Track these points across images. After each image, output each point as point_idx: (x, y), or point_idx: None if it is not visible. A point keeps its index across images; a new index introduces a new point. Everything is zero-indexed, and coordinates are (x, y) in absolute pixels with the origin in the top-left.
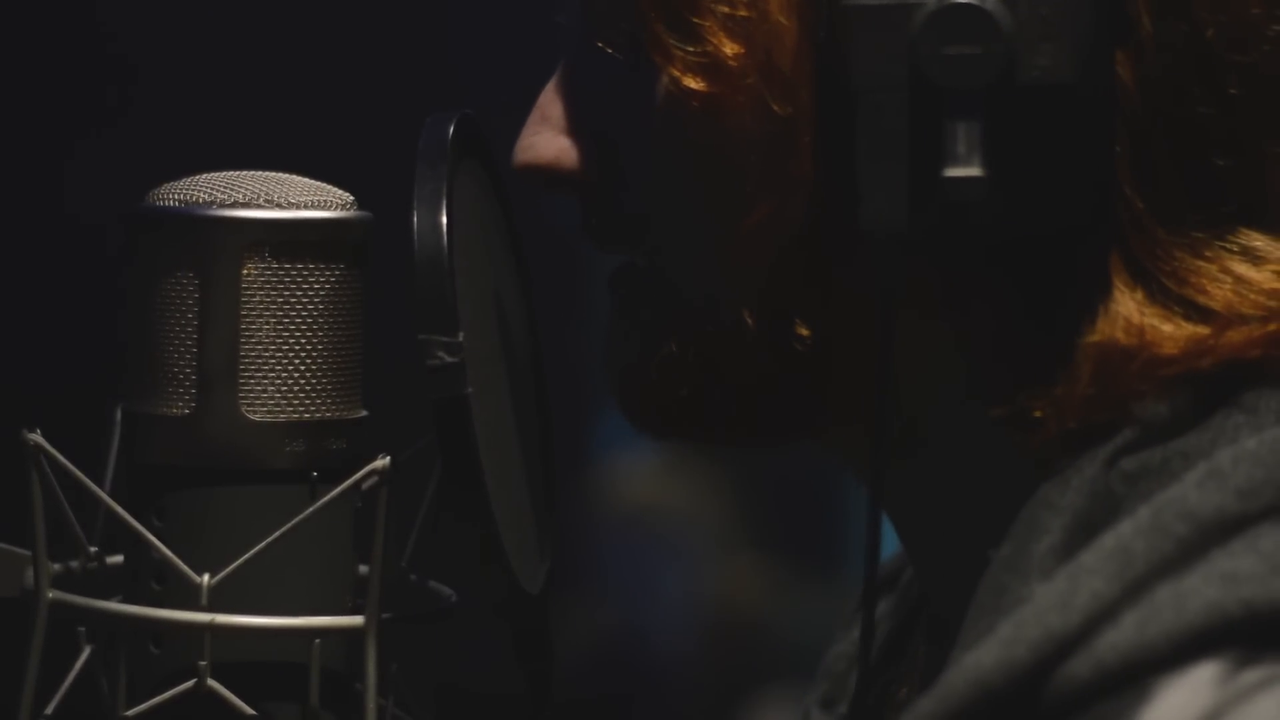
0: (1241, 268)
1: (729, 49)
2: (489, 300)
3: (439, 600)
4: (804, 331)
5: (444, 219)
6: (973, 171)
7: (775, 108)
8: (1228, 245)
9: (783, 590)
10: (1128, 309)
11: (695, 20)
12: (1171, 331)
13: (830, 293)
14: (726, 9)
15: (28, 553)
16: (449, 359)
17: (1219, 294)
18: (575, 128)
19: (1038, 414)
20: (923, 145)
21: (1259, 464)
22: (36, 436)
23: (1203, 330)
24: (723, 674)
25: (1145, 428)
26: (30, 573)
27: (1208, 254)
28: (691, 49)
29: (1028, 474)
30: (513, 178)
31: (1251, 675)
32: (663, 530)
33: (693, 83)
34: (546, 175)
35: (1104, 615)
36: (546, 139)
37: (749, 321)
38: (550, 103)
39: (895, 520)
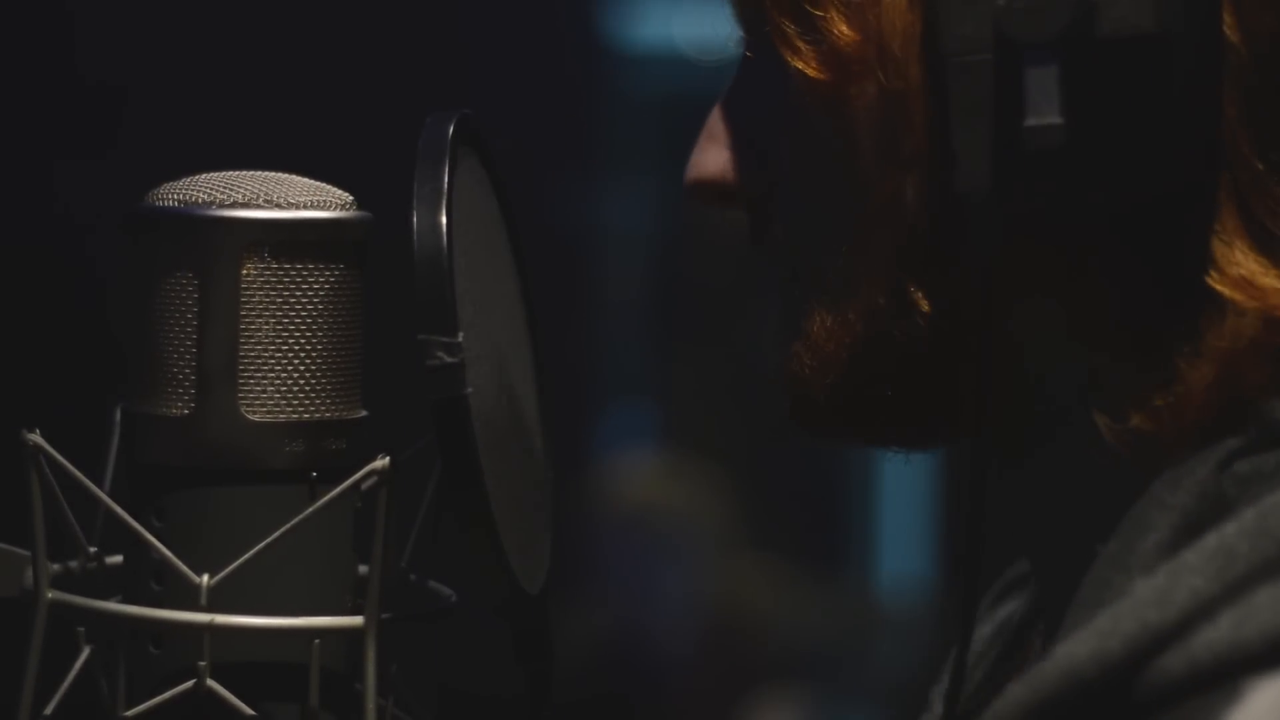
0: None
1: (846, 35)
2: (489, 300)
3: (439, 600)
4: (935, 314)
5: (444, 219)
6: (1050, 119)
7: (889, 87)
8: None
9: (783, 591)
10: (1249, 271)
11: (815, 11)
12: None
13: (956, 272)
14: None
15: (27, 553)
16: (449, 359)
17: None
18: (739, 142)
19: (1159, 402)
20: (1007, 103)
21: None
22: (36, 436)
23: None
24: (723, 674)
25: (1261, 431)
26: (30, 573)
27: None
28: (814, 40)
29: (1141, 469)
30: (513, 177)
31: None
32: (663, 530)
33: (816, 72)
34: (713, 191)
35: (1202, 613)
36: (712, 155)
37: (886, 307)
38: (716, 120)
39: (1011, 514)
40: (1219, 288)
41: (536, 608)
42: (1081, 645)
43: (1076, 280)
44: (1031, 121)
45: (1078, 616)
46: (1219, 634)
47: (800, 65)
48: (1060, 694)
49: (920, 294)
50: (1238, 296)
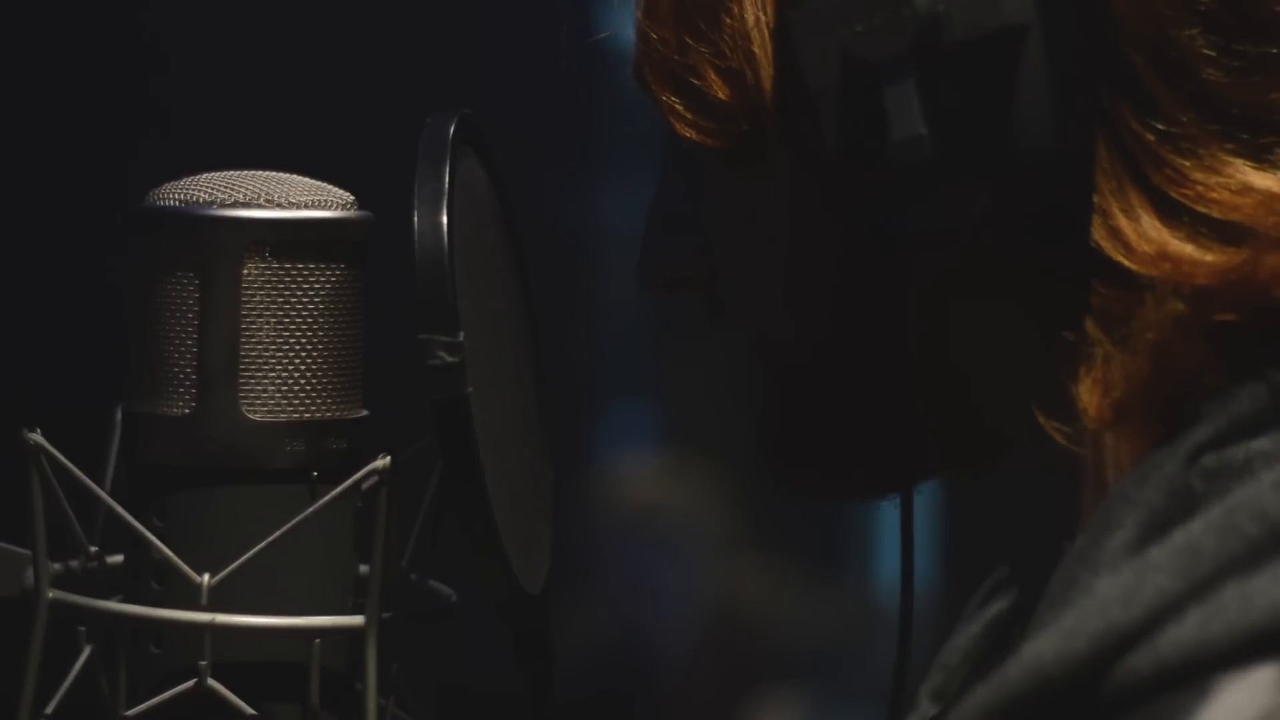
0: (1265, 181)
1: (726, 95)
2: (489, 300)
3: (439, 600)
4: (877, 347)
5: (444, 219)
6: (915, 130)
7: (777, 136)
8: (1245, 159)
9: (783, 591)
10: (1161, 241)
11: (695, 81)
12: (1203, 257)
13: (887, 301)
14: (718, 62)
15: (28, 553)
16: (449, 359)
17: (1245, 206)
18: (672, 231)
19: (1102, 401)
20: (873, 127)
21: None
22: (36, 436)
23: (1238, 255)
24: (723, 674)
25: (1229, 423)
26: (30, 573)
27: (1228, 171)
28: (699, 108)
29: (1098, 466)
30: (513, 177)
31: None
32: (663, 531)
33: (714, 141)
34: (661, 283)
35: (1168, 611)
36: (652, 248)
37: (829, 346)
38: (653, 212)
39: (988, 515)
40: (1133, 266)
41: (536, 608)
42: (1047, 644)
43: (999, 288)
44: (898, 136)
45: (1045, 615)
46: (1186, 633)
47: (694, 136)
48: (1025, 694)
49: (860, 334)
50: (1153, 272)
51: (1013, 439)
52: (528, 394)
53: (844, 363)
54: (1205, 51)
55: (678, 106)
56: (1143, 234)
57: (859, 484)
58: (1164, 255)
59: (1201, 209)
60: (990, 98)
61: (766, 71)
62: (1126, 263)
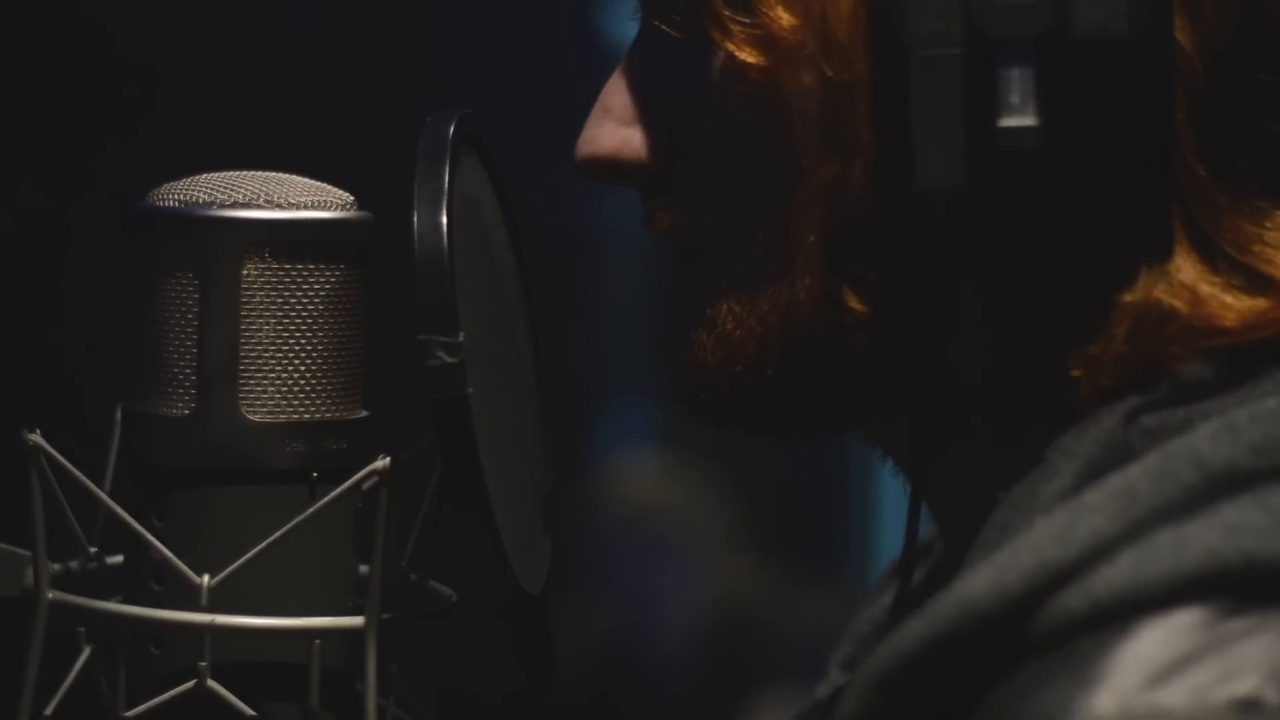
0: None
1: (785, 19)
2: (489, 300)
3: (439, 600)
4: (859, 308)
5: (444, 219)
6: (1027, 121)
7: (832, 75)
8: None
9: (782, 590)
10: (1190, 277)
11: None
12: (1232, 303)
13: (887, 265)
14: None
15: (28, 553)
16: (449, 359)
17: None
18: (637, 118)
19: (1075, 373)
20: (977, 100)
21: (1276, 423)
22: (36, 436)
23: (1262, 303)
24: (723, 674)
25: (1169, 391)
26: (30, 573)
27: (1268, 224)
28: (748, 22)
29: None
30: (513, 177)
31: (1236, 624)
32: (663, 530)
33: (750, 56)
34: (609, 168)
35: (1102, 551)
36: (609, 130)
37: (806, 299)
38: (612, 94)
39: (934, 504)
40: (1159, 294)
41: (536, 608)
42: (980, 579)
43: (1012, 273)
44: (1008, 122)
45: (977, 557)
46: (1118, 573)
47: (731, 48)
48: (957, 627)
49: (845, 287)
50: (1177, 303)
51: (973, 410)
52: (528, 394)
53: (802, 304)
54: (1276, 103)
55: (722, 13)
56: (1176, 266)
57: (773, 419)
58: (1192, 292)
59: (1235, 254)
60: (1091, 101)
61: (841, 4)
62: (1154, 289)
